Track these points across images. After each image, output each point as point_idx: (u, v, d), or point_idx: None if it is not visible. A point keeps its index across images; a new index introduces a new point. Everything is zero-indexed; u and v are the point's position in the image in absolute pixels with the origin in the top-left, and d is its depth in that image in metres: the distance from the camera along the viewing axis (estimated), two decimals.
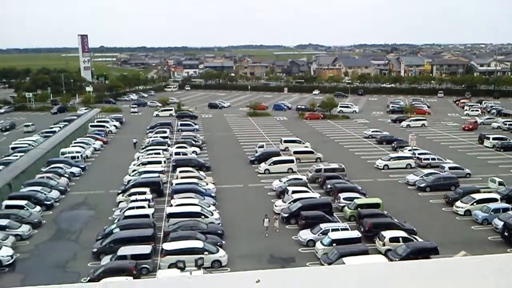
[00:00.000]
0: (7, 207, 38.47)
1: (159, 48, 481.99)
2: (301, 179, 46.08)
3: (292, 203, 38.44)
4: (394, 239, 31.40)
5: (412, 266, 3.94)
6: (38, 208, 39.19)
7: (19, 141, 63.47)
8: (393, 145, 63.46)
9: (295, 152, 56.10)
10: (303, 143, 62.19)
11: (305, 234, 33.50)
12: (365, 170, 52.30)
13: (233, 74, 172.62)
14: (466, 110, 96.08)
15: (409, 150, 57.60)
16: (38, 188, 42.69)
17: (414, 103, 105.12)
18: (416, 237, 32.76)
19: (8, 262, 30.29)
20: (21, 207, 38.14)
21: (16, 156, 53.89)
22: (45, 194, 41.77)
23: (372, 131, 71.41)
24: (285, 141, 62.71)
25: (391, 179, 48.89)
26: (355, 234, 32.43)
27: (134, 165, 51.92)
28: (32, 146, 59.65)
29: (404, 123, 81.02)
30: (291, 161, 52.09)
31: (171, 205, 37.98)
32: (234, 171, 52.25)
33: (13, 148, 59.99)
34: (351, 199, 39.28)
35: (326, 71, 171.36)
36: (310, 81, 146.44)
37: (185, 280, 3.60)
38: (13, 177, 44.99)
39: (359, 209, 36.89)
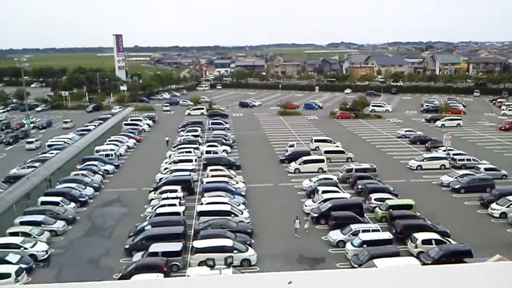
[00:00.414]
0: (43, 203, 39.63)
1: (191, 47, 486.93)
2: (332, 179, 45.70)
3: (322, 203, 38.18)
4: (426, 241, 30.78)
5: (446, 270, 3.82)
6: (72, 204, 40.21)
7: (55, 139, 65.25)
8: (427, 145, 62.20)
9: (326, 152, 55.68)
10: (334, 143, 61.65)
11: (335, 235, 33.22)
12: (397, 170, 51.44)
13: (264, 73, 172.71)
14: (503, 109, 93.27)
15: (444, 151, 56.34)
16: (73, 185, 43.79)
17: (449, 102, 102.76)
18: (449, 239, 32.03)
19: (43, 257, 31.23)
20: (56, 203, 39.22)
21: (52, 153, 55.46)
22: (79, 191, 42.82)
23: (405, 131, 70.17)
24: (316, 141, 62.32)
25: (425, 180, 47.92)
26: (387, 235, 31.94)
27: (165, 163, 52.63)
28: (68, 144, 61.23)
29: (438, 123, 79.28)
30: (322, 161, 51.73)
31: (202, 203, 38.31)
32: (264, 170, 52.28)
33: (49, 146, 61.74)
34: (383, 200, 38.72)
35: (358, 69, 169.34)
36: (341, 79, 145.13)
37: (219, 278, 3.58)
38: (50, 173, 46.33)
39: (390, 210, 36.32)
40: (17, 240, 32.00)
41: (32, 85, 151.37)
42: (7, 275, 27.26)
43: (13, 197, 38.20)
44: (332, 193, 40.29)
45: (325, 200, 38.34)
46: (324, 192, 40.28)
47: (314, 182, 44.10)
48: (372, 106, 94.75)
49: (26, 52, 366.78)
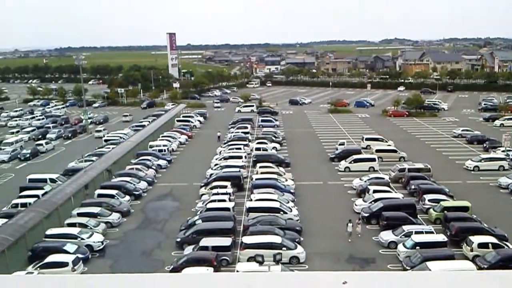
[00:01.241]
0: (99, 195, 41.19)
1: (242, 45, 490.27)
2: (383, 178, 44.77)
3: (373, 202, 37.46)
4: (483, 245, 29.57)
5: (504, 275, 3.64)
6: (127, 197, 41.56)
7: (112, 134, 67.63)
8: (484, 145, 59.65)
9: (377, 151, 54.57)
10: (386, 141, 60.32)
11: (387, 236, 32.53)
12: (453, 171, 49.67)
13: (314, 70, 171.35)
14: None
15: (503, 151, 53.86)
16: (128, 178, 45.24)
17: (508, 100, 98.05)
18: (507, 243, 30.61)
19: (99, 248, 32.47)
20: (112, 196, 40.66)
21: (109, 148, 57.54)
22: (134, 184, 44.18)
23: (462, 130, 67.58)
24: (367, 139, 61.19)
25: (482, 181, 46.02)
26: (441, 238, 30.94)
27: (216, 159, 53.35)
28: (123, 139, 63.29)
29: (497, 122, 75.83)
30: (373, 160, 50.75)
31: (251, 200, 38.58)
32: (313, 168, 51.94)
33: (106, 141, 64.09)
34: (437, 201, 37.51)
35: (412, 66, 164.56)
36: (395, 77, 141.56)
37: (271, 275, 3.56)
38: (110, 164, 48.65)
39: (445, 212, 35.13)
40: (74, 230, 33.45)
41: (90, 82, 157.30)
42: (65, 264, 28.55)
43: (72, 189, 39.94)
44: (383, 192, 39.46)
45: (376, 200, 37.60)
46: (375, 191, 39.53)
47: (365, 182, 43.35)
48: (427, 104, 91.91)
49: (84, 51, 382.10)
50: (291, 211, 36.73)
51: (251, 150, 57.57)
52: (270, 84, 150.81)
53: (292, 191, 42.40)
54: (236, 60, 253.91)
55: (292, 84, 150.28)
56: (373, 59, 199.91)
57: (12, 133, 72.53)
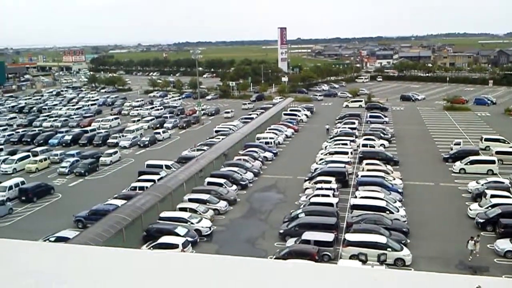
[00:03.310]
0: (209, 183, 43.18)
1: (353, 38, 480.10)
2: (503, 182, 41.26)
3: (490, 208, 34.75)
4: None
5: None
6: (234, 187, 43.09)
7: (222, 125, 70.41)
8: None
9: (498, 152, 50.35)
10: (508, 143, 55.46)
11: (504, 244, 30.02)
12: None
13: (430, 65, 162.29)
14: None
15: None
16: (236, 169, 46.85)
17: None
18: None
19: (207, 233, 34.13)
20: (220, 184, 42.41)
21: (219, 138, 60.01)
22: (241, 175, 45.65)
23: None
24: (486, 139, 56.76)
25: None
26: None
27: (321, 154, 53.11)
28: (233, 130, 65.55)
29: None
30: (492, 162, 47.01)
31: (356, 197, 37.87)
32: (424, 168, 49.46)
33: (216, 131, 66.90)
34: None
35: None
36: None
37: (387, 272, 3.35)
38: (227, 148, 52.37)
39: None
40: (185, 215, 35.46)
41: (204, 75, 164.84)
42: (175, 246, 30.40)
43: (184, 176, 42.35)
44: (502, 198, 36.41)
45: (493, 205, 34.80)
46: (493, 196, 36.61)
47: (482, 185, 40.32)
48: None
49: (200, 45, 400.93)
50: (398, 211, 35.42)
51: (357, 146, 56.40)
52: (381, 79, 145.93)
53: (400, 190, 40.83)
54: (346, 54, 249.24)
55: (404, 79, 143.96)
56: (497, 53, 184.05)
57: (134, 121, 78.61)
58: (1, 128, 76.44)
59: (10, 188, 43.21)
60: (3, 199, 40.59)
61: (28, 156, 54.53)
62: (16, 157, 54.17)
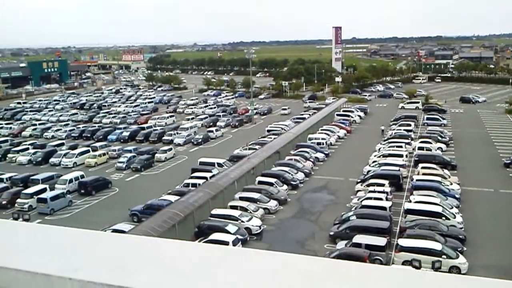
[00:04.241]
0: (260, 182, 43.38)
1: (410, 38, 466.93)
2: None
3: None
4: None
5: None
6: (285, 186, 43.05)
7: (274, 125, 70.55)
8: None
9: None
10: None
11: None
12: None
13: (492, 66, 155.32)
14: None
15: None
16: (287, 168, 46.80)
17: None
18: None
19: (257, 232, 34.31)
20: (271, 184, 42.50)
21: (270, 138, 60.18)
22: (292, 175, 45.55)
23: None
24: None
25: None
26: None
27: (374, 156, 52.07)
28: (284, 130, 65.52)
29: None
30: None
31: (410, 201, 36.84)
32: (483, 173, 47.37)
33: (268, 131, 67.11)
34: None
35: None
36: None
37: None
38: (280, 147, 53.10)
39: None
40: (236, 213, 35.80)
41: (257, 75, 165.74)
42: (226, 243, 30.68)
43: (236, 175, 42.79)
44: None
45: None
46: None
47: None
48: None
49: (254, 45, 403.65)
50: (454, 217, 34.14)
51: (413, 149, 54.84)
52: (439, 80, 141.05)
53: (457, 196, 39.34)
54: (403, 54, 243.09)
55: (464, 81, 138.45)
56: None
57: (188, 119, 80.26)
58: (63, 123, 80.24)
59: (70, 181, 45.26)
60: (63, 191, 42.55)
61: (88, 151, 56.93)
62: (76, 151, 56.70)
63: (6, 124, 79.70)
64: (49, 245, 3.06)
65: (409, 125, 68.67)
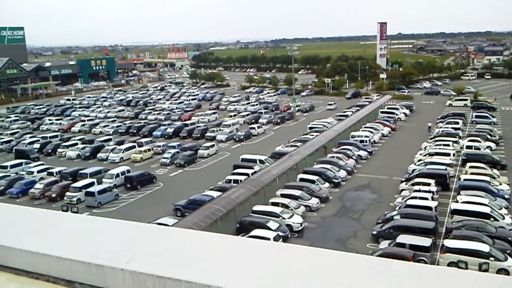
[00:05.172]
0: (301, 180, 43.23)
1: (459, 33, 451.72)
2: None
3: None
4: None
5: None
6: (326, 184, 42.72)
7: (316, 122, 70.08)
8: None
9: None
10: None
11: None
12: None
13: None
14: None
15: None
16: (328, 166, 46.42)
17: None
18: None
19: (298, 229, 34.24)
20: (312, 181, 42.28)
21: (312, 135, 59.81)
22: (334, 172, 45.14)
23: None
24: None
25: None
26: None
27: (420, 154, 50.85)
28: (327, 127, 64.97)
29: None
30: None
31: (457, 201, 35.78)
32: None
33: (310, 128, 66.72)
34: None
35: None
36: None
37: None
38: (326, 141, 53.71)
39: None
40: (277, 210, 35.83)
41: (300, 72, 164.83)
42: (267, 239, 30.88)
43: (277, 172, 42.82)
44: None
45: None
46: None
47: None
48: None
49: (296, 42, 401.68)
50: (503, 218, 32.92)
51: (460, 147, 53.17)
52: (489, 77, 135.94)
53: (506, 196, 37.87)
54: (451, 50, 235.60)
55: None
56: None
57: (230, 116, 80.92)
58: (111, 119, 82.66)
59: (117, 175, 46.61)
60: (110, 185, 43.90)
61: (134, 147, 58.43)
62: (123, 147, 58.32)
63: (56, 120, 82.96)
64: (103, 237, 3.20)
65: (457, 123, 66.61)
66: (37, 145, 61.98)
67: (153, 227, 3.46)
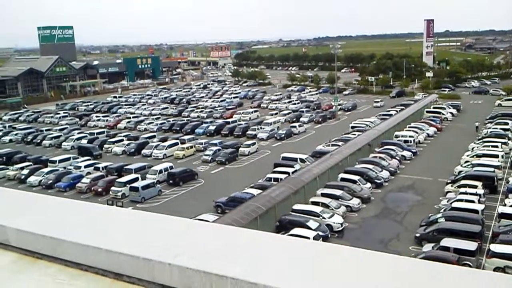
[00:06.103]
0: (342, 179, 42.78)
1: (509, 31, 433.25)
2: None
3: None
4: None
5: None
6: (368, 184, 42.08)
7: (358, 121, 69.11)
8: None
9: None
10: None
11: None
12: None
13: None
14: None
15: None
16: (371, 166, 45.71)
17: None
18: None
19: (338, 229, 33.93)
20: (354, 181, 41.76)
21: (354, 134, 59.04)
22: (376, 172, 44.42)
23: None
24: None
25: None
26: None
27: (467, 156, 49.28)
28: (369, 126, 63.96)
29: None
30: None
31: (505, 205, 34.52)
32: None
33: (352, 127, 65.87)
34: None
35: None
36: None
37: None
38: (370, 139, 53.27)
39: None
40: (317, 209, 35.65)
41: (343, 70, 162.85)
42: (307, 239, 30.78)
43: (318, 171, 42.56)
44: None
45: None
46: None
47: None
48: None
49: (339, 40, 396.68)
50: None
51: (510, 149, 51.17)
52: None
53: None
54: (501, 47, 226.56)
55: None
56: None
57: (272, 115, 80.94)
58: (155, 117, 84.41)
59: (160, 172, 47.61)
60: (154, 181, 44.90)
61: (176, 144, 59.48)
62: (166, 144, 59.44)
63: (103, 116, 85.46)
64: (151, 231, 3.31)
65: (507, 123, 64.04)
66: (84, 141, 63.91)
67: (201, 223, 3.56)
